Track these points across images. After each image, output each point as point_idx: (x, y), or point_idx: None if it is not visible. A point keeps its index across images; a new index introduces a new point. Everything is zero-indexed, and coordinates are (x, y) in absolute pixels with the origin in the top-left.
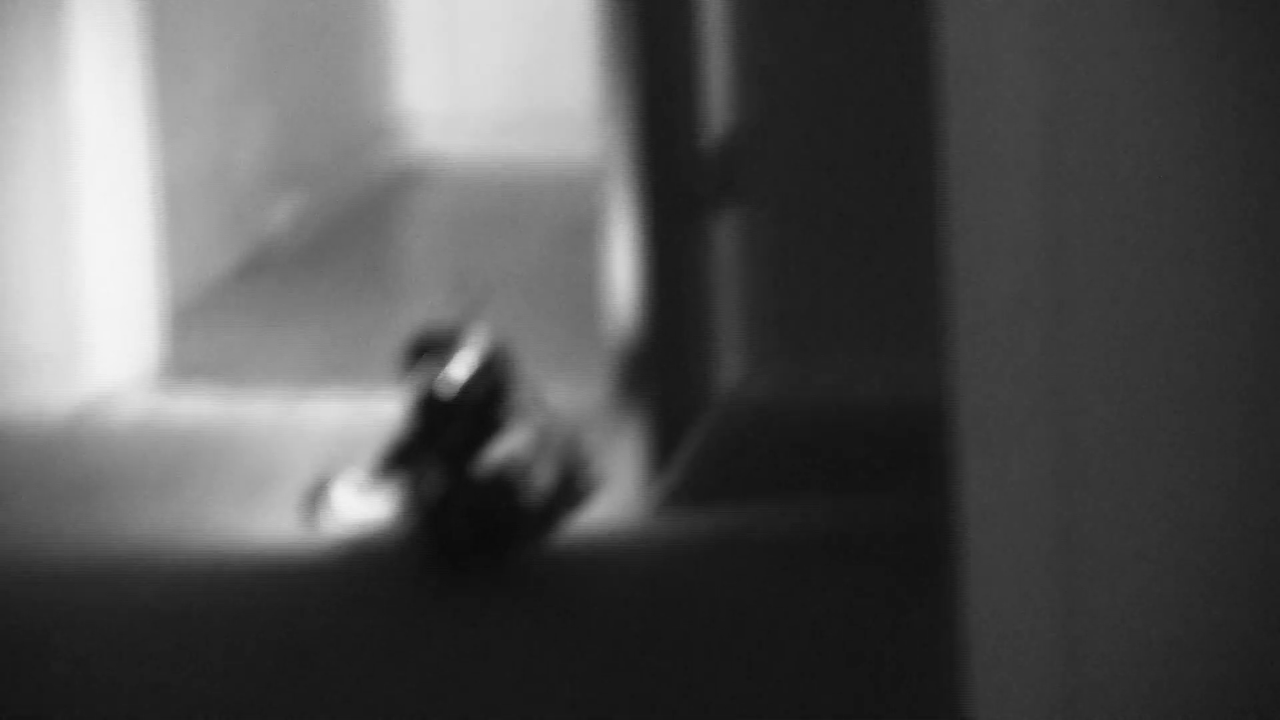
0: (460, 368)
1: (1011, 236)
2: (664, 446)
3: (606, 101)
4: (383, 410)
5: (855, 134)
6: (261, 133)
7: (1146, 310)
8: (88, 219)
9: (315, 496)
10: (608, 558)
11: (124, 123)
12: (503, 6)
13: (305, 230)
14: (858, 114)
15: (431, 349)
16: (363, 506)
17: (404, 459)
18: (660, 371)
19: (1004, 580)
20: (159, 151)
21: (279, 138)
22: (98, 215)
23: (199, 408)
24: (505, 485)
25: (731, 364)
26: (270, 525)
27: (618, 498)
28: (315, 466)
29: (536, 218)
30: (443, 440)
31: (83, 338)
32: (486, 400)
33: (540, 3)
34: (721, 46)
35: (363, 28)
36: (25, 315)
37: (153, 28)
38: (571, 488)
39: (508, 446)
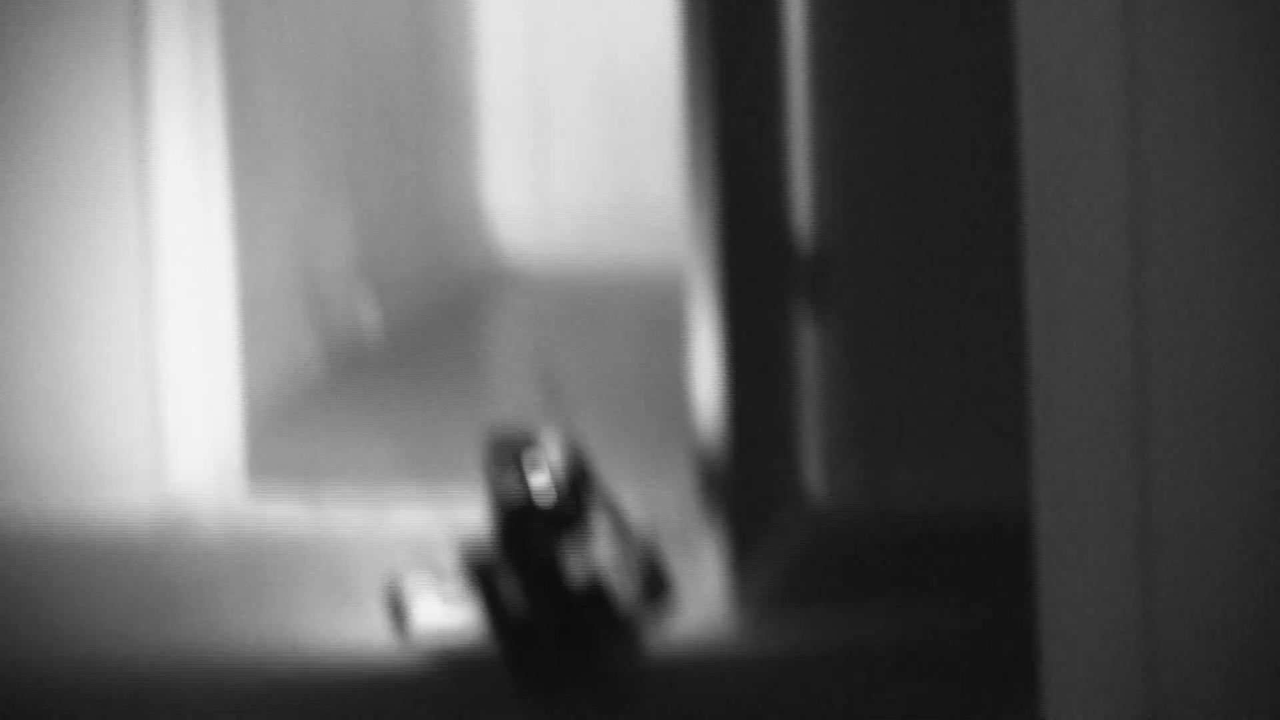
0: (540, 473)
1: (1095, 342)
2: (746, 551)
3: (692, 202)
4: (467, 514)
5: (940, 236)
6: (344, 232)
7: (1231, 408)
8: (171, 320)
9: (397, 602)
10: (692, 666)
11: (207, 224)
12: (588, 105)
13: (389, 330)
14: (943, 214)
15: (510, 450)
16: (445, 612)
17: (486, 566)
18: (743, 476)
19: (1088, 686)
20: (241, 252)
21: (362, 237)
22: (181, 316)
23: (282, 510)
24: (587, 594)
25: (814, 468)
26: (354, 630)
27: (700, 604)
28: (398, 571)
29: (621, 317)
30: (523, 547)
31: (166, 439)
32: (566, 506)
33: (626, 102)
34: (808, 149)
35: (447, 125)
36: (108, 417)
37: (235, 127)
38: (653, 596)
39: (588, 554)
